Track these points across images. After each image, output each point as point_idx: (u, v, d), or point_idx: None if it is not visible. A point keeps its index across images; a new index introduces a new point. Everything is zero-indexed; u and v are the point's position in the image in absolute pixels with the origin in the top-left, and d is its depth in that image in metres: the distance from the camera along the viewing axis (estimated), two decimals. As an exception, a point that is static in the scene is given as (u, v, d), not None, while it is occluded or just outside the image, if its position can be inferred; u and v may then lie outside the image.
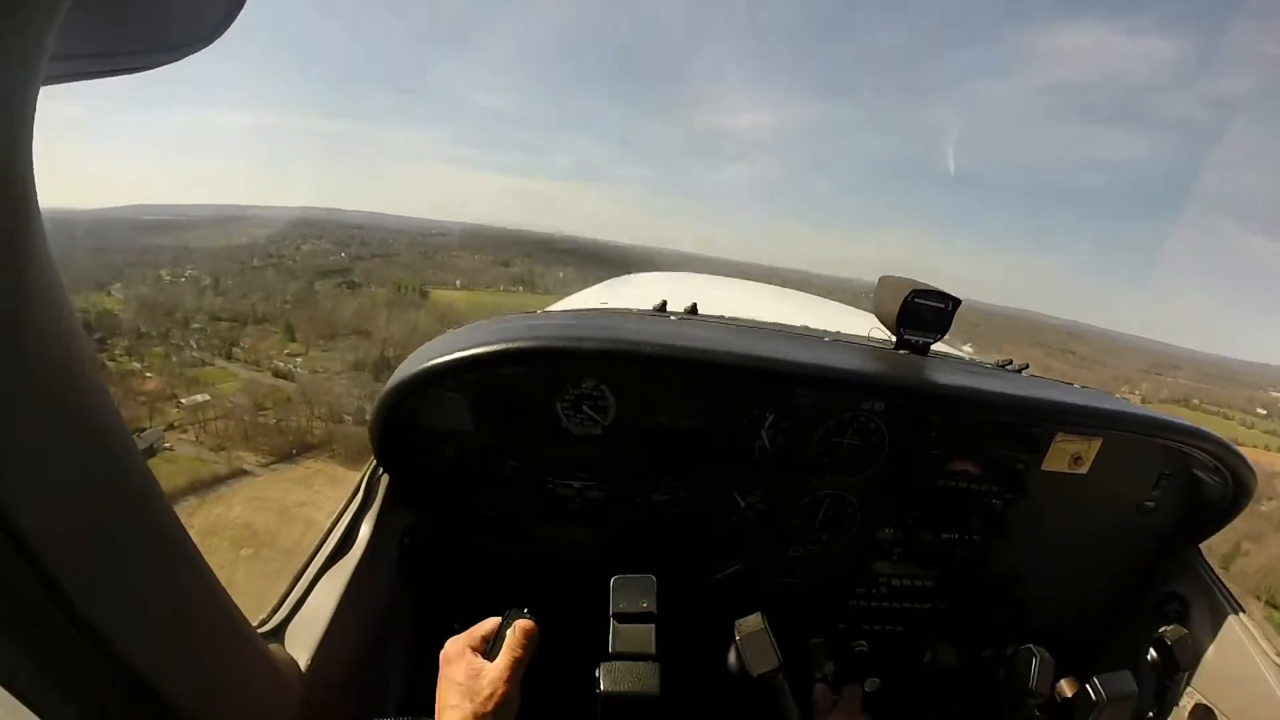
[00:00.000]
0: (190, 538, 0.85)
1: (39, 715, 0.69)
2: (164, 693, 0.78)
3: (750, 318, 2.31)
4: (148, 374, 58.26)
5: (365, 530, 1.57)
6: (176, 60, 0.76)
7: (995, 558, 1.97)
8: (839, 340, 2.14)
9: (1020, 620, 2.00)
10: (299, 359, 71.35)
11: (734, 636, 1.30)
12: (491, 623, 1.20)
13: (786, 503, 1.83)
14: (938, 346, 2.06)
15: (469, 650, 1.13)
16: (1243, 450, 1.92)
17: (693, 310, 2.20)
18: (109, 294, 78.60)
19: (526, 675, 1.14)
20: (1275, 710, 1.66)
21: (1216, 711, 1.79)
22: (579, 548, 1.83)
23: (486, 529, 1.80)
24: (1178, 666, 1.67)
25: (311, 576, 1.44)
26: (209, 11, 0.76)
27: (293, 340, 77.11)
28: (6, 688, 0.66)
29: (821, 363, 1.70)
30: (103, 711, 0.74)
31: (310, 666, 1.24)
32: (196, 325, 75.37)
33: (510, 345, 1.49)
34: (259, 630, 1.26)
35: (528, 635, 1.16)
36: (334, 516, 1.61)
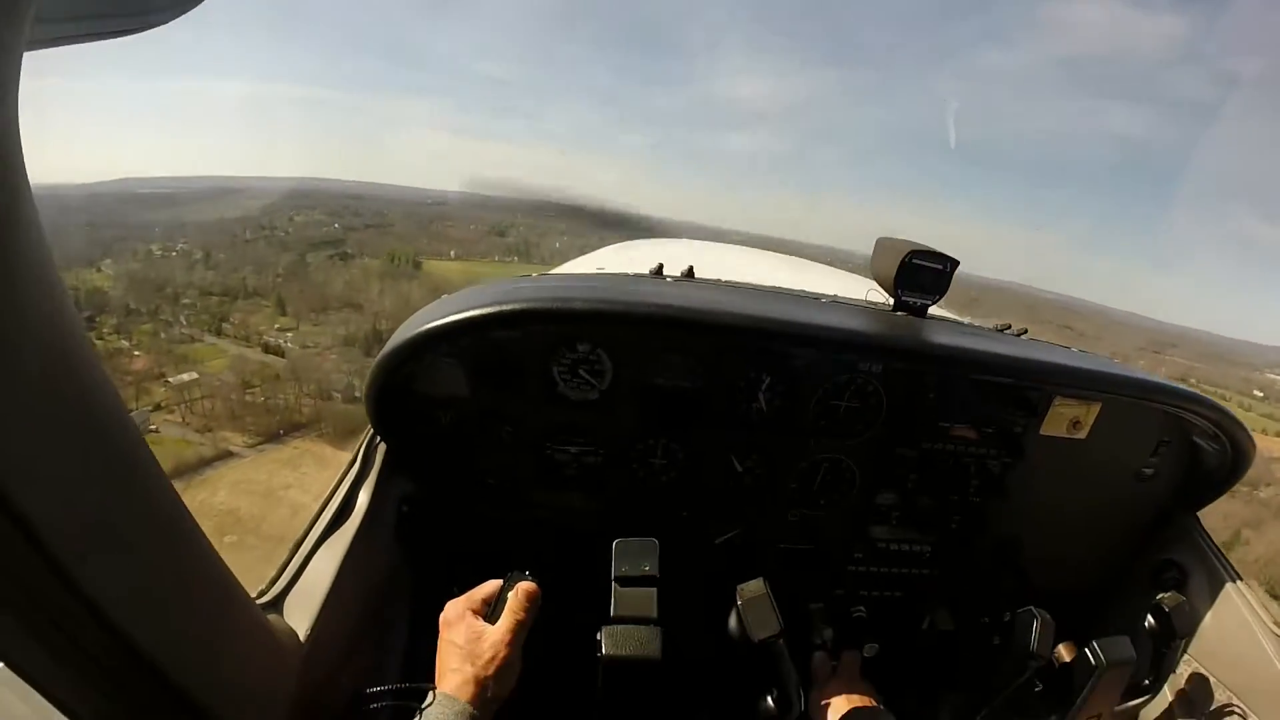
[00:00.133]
0: (187, 510, 0.85)
1: (37, 686, 0.71)
2: (162, 663, 0.79)
3: (747, 281, 2.28)
4: (136, 352, 57.99)
5: (363, 499, 1.57)
6: (165, 22, 0.74)
7: (993, 523, 1.95)
8: (836, 302, 2.11)
9: (1018, 586, 1.99)
10: (290, 334, 71.04)
11: (735, 601, 1.30)
12: (492, 585, 1.20)
13: (784, 467, 1.82)
14: (936, 310, 2.03)
15: (469, 613, 1.14)
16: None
17: (689, 274, 2.16)
18: (99, 270, 77.97)
19: (527, 638, 1.15)
20: (1270, 675, 1.67)
21: (1213, 679, 1.80)
22: (577, 513, 1.82)
23: (484, 496, 1.80)
24: (1175, 633, 1.69)
25: (310, 546, 1.43)
26: None
27: (284, 314, 76.72)
28: (4, 660, 0.68)
29: (818, 322, 1.67)
30: (101, 682, 0.75)
31: (309, 636, 1.25)
32: (186, 301, 74.68)
33: (503, 307, 1.46)
34: (258, 601, 1.26)
35: (530, 598, 1.16)
36: (331, 486, 1.60)
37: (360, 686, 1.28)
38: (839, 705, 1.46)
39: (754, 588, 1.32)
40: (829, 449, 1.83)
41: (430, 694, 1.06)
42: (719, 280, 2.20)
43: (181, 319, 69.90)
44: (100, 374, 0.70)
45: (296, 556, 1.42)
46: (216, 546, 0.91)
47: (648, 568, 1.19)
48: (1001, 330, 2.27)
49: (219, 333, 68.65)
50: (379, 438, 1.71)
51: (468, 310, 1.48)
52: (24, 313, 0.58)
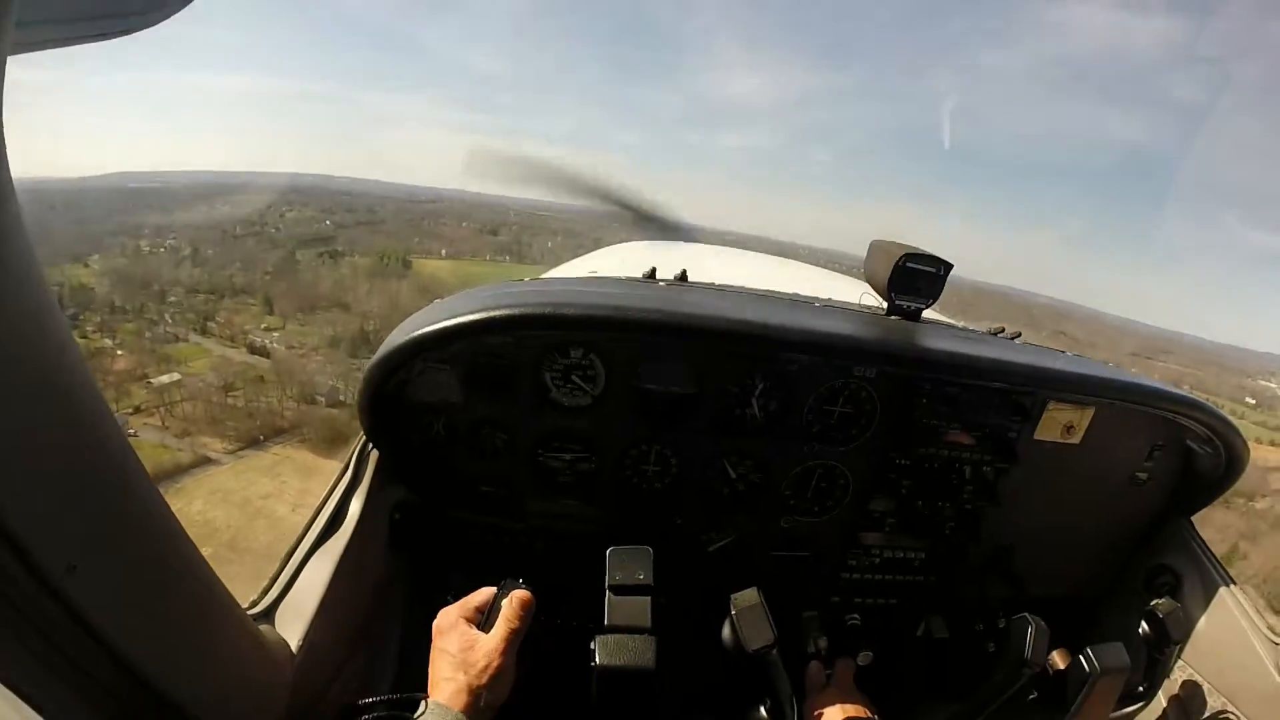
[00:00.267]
0: (176, 519, 0.84)
1: (28, 700, 0.69)
2: (154, 675, 0.78)
3: (741, 285, 2.26)
4: (119, 351, 57.04)
5: (355, 507, 1.55)
6: (148, 26, 0.73)
7: (987, 529, 1.94)
8: (830, 306, 2.10)
9: (1012, 592, 1.98)
10: (276, 333, 70.29)
11: (729, 611, 1.29)
12: (486, 593, 1.19)
13: (778, 473, 1.81)
14: (929, 313, 2.02)
15: (462, 621, 1.13)
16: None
17: (682, 278, 2.15)
18: (86, 265, 76.80)
19: (520, 646, 1.14)
20: (1265, 682, 1.67)
21: (1206, 685, 1.79)
22: (571, 520, 1.81)
23: (477, 503, 1.78)
24: (1169, 639, 1.68)
25: (302, 556, 1.42)
26: None
27: (271, 313, 75.92)
28: None
29: (811, 327, 1.66)
30: (93, 695, 0.74)
31: (301, 647, 1.24)
32: (172, 299, 73.76)
33: (495, 313, 1.45)
34: (249, 611, 1.25)
35: (524, 606, 1.15)
36: (324, 494, 1.58)
37: (353, 696, 1.26)
38: (833, 715, 1.44)
39: (748, 597, 1.31)
40: (823, 455, 1.82)
41: (423, 703, 1.04)
42: (712, 284, 2.18)
43: (166, 317, 68.93)
44: (87, 380, 0.68)
45: (288, 566, 1.40)
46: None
47: (642, 576, 1.18)
48: (995, 334, 2.26)
49: (204, 332, 67.78)
50: (371, 445, 1.69)
51: (459, 316, 1.46)
52: (8, 319, 0.56)
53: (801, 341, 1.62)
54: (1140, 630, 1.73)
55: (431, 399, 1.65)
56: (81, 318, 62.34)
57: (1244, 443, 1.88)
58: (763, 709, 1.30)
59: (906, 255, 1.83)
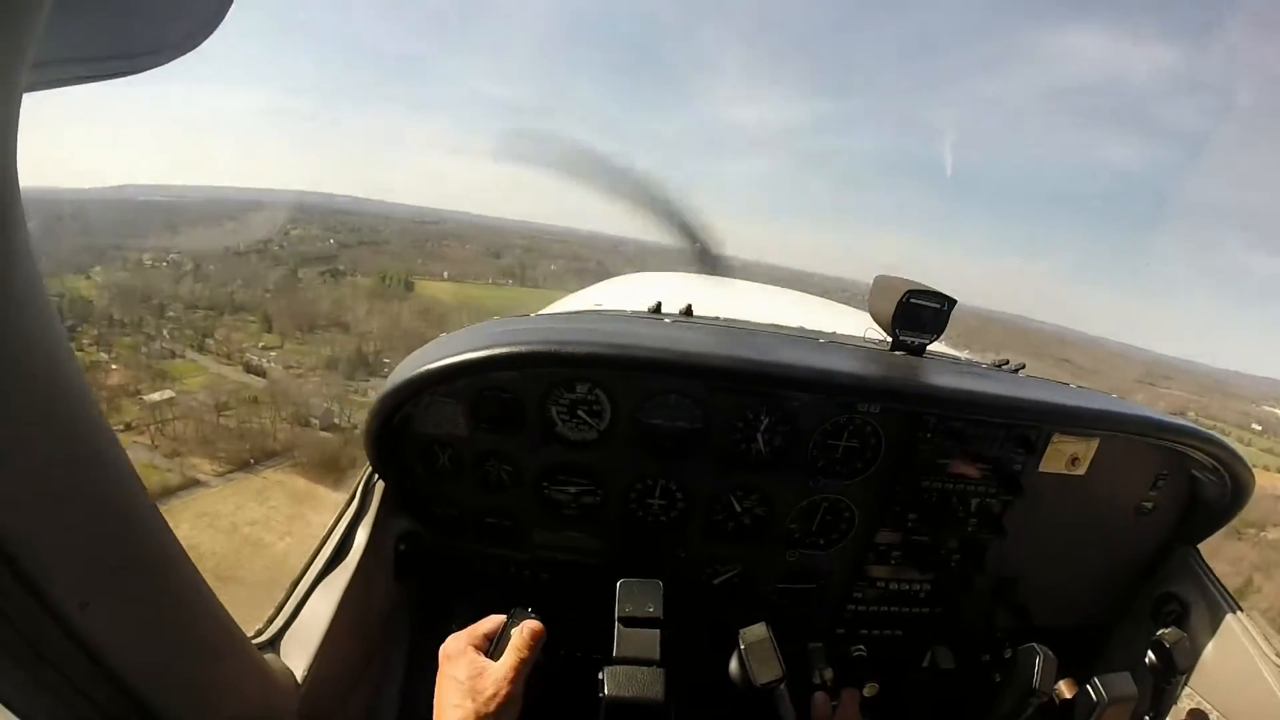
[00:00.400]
0: (180, 545, 0.84)
1: None
2: (162, 706, 0.78)
3: (746, 318, 2.28)
4: (113, 366, 56.67)
5: (361, 537, 1.56)
6: (159, 65, 0.75)
7: (992, 559, 1.93)
8: (834, 342, 2.11)
9: (1018, 623, 1.98)
10: (273, 352, 69.90)
11: (738, 645, 1.30)
12: (494, 621, 1.19)
13: (784, 507, 1.81)
14: (934, 346, 2.04)
15: (471, 648, 1.13)
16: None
17: (688, 312, 2.19)
18: (87, 277, 76.90)
19: (527, 676, 1.14)
20: (1274, 710, 1.66)
21: (1214, 713, 1.79)
22: (576, 552, 1.82)
23: (483, 535, 1.80)
24: (1176, 669, 1.68)
25: (307, 586, 1.43)
26: (191, 17, 0.75)
27: (270, 331, 75.64)
28: (3, 704, 0.68)
29: (816, 366, 1.67)
30: None
31: (307, 677, 1.24)
32: (172, 314, 73.74)
33: (502, 350, 1.48)
34: (255, 641, 1.26)
35: (536, 636, 1.15)
36: (330, 524, 1.60)
37: None
38: None
39: (757, 632, 1.30)
40: (828, 489, 1.82)
41: None
42: (717, 318, 2.20)
43: (164, 333, 68.70)
44: (91, 401, 0.67)
45: (294, 595, 1.39)
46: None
47: (652, 609, 1.19)
48: (999, 366, 2.28)
49: (201, 349, 67.42)
50: (377, 476, 1.70)
51: (466, 353, 1.47)
52: (12, 343, 0.56)
53: (806, 380, 1.62)
54: (1147, 659, 1.72)
55: (438, 431, 1.67)
56: (79, 330, 62.10)
57: (1249, 470, 1.87)
58: None
59: (910, 291, 1.85)
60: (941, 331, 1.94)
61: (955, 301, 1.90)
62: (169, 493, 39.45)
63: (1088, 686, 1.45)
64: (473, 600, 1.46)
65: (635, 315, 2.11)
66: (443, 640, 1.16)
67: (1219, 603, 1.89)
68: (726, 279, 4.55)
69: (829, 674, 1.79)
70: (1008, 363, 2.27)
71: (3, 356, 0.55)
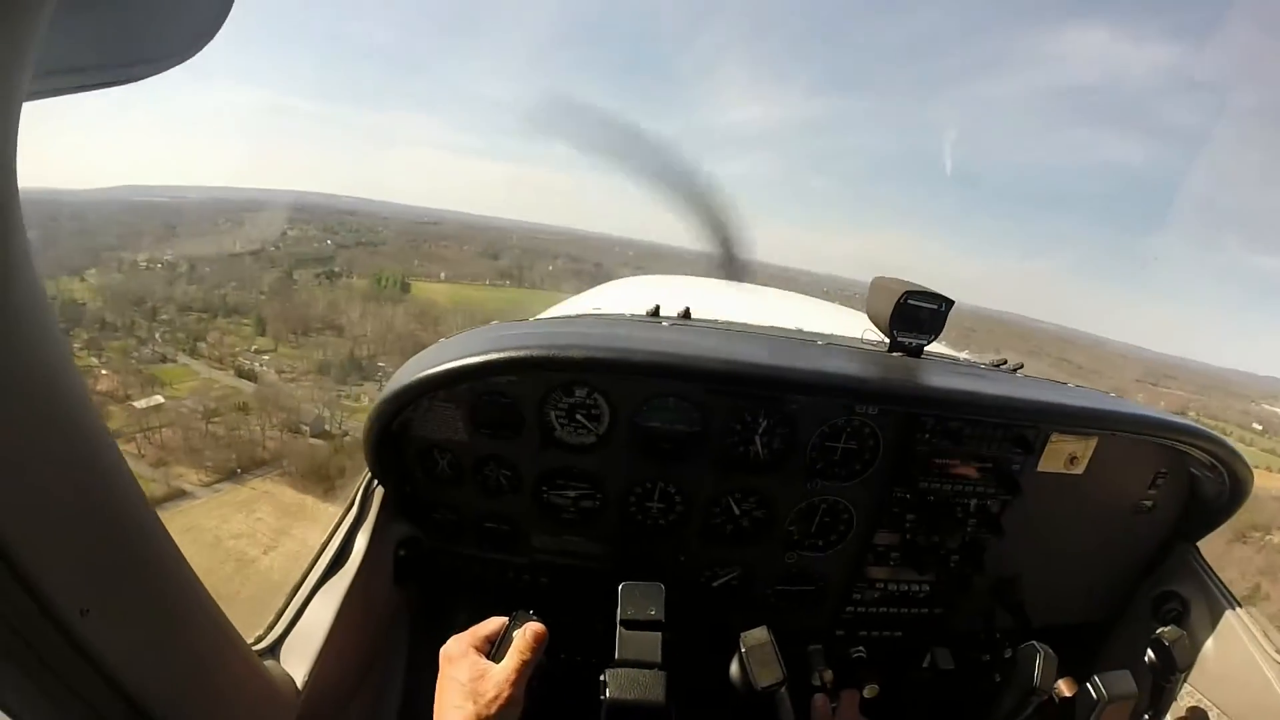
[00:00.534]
0: (181, 552, 0.84)
1: None
2: (156, 711, 0.78)
3: (744, 321, 2.28)
4: (103, 371, 56.02)
5: (361, 543, 1.57)
6: (157, 73, 0.75)
7: (992, 559, 1.94)
8: (832, 343, 2.11)
9: (1018, 622, 1.98)
10: (266, 356, 69.33)
11: (739, 648, 1.31)
12: (496, 622, 1.19)
13: (783, 509, 1.81)
14: (932, 347, 2.04)
15: (472, 650, 1.13)
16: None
17: (686, 315, 2.19)
18: (82, 279, 76.35)
19: (528, 679, 1.14)
20: (1273, 707, 1.66)
21: (1214, 711, 1.79)
22: (576, 556, 1.82)
23: (482, 539, 1.80)
24: (1176, 667, 1.68)
25: (307, 592, 1.43)
26: (189, 25, 0.75)
27: (263, 335, 75.07)
28: (4, 711, 0.68)
29: (814, 368, 1.68)
30: None
31: (307, 683, 1.25)
32: (164, 317, 73.14)
33: (500, 355, 1.48)
34: (254, 647, 1.26)
35: (538, 639, 1.15)
36: (329, 530, 1.60)
37: None
38: None
39: (758, 635, 1.31)
40: (827, 491, 1.83)
41: None
42: (715, 321, 2.20)
43: (156, 336, 68.04)
44: (90, 407, 0.67)
45: (294, 602, 1.39)
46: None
47: (654, 612, 1.19)
48: (997, 366, 2.29)
49: (194, 353, 66.81)
50: (376, 482, 1.71)
51: (465, 357, 1.47)
52: (13, 348, 0.56)
53: (803, 383, 1.62)
54: (1147, 657, 1.71)
55: (437, 436, 1.67)
56: (71, 334, 61.46)
57: (1247, 467, 1.87)
58: None
59: (908, 293, 1.85)
60: (939, 332, 1.94)
61: (953, 302, 1.90)
62: (154, 503, 38.64)
63: (1088, 685, 1.45)
64: (473, 605, 1.47)
65: (633, 319, 2.13)
66: (442, 645, 1.15)
67: (1219, 600, 1.89)
68: (725, 282, 4.42)
69: (829, 675, 1.79)
70: (1006, 362, 2.29)
71: (3, 363, 0.55)
